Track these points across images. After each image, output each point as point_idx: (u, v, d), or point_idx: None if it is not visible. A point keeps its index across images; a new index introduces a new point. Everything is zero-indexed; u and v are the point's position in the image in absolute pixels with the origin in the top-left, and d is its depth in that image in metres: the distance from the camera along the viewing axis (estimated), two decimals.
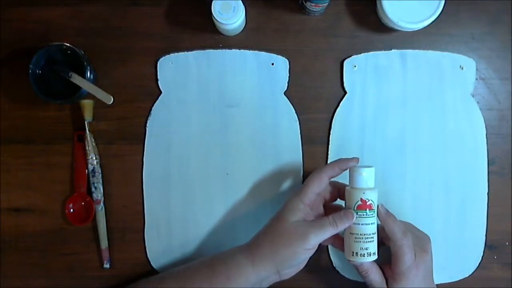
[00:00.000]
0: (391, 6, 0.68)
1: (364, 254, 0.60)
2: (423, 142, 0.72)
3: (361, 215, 0.60)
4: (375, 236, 0.61)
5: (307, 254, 0.60)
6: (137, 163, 0.71)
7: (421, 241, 0.64)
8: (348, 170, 0.62)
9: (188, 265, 0.65)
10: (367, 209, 0.60)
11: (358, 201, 0.60)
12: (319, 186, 0.62)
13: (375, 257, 0.60)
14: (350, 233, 0.60)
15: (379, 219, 0.61)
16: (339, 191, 0.64)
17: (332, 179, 0.64)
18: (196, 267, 0.64)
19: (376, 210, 0.60)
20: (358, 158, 0.62)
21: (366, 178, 0.60)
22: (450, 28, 0.72)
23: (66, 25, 0.72)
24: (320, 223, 0.60)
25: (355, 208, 0.60)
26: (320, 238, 0.59)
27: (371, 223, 0.60)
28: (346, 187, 0.62)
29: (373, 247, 0.60)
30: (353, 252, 0.60)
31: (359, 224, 0.60)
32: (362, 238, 0.60)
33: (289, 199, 0.62)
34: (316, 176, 0.62)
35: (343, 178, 0.64)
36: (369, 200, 0.60)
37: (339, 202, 0.65)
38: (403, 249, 0.60)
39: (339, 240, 0.64)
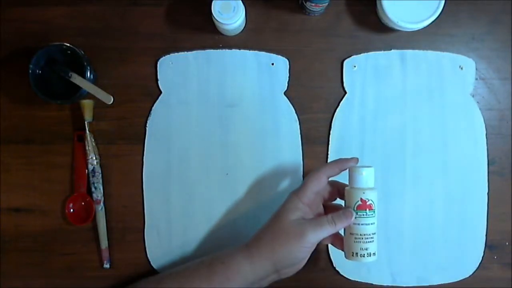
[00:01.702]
0: (391, 6, 0.68)
1: (364, 254, 0.59)
2: (423, 142, 0.72)
3: (361, 215, 0.60)
4: (375, 236, 0.60)
5: (305, 252, 0.60)
6: (137, 163, 0.71)
7: None
8: (347, 170, 0.62)
9: (187, 265, 0.65)
10: (367, 209, 0.59)
11: (358, 201, 0.60)
12: (317, 186, 0.61)
13: (375, 257, 0.60)
14: (350, 233, 0.60)
15: None
16: (338, 190, 0.64)
17: (331, 179, 0.63)
18: (195, 268, 0.64)
19: (376, 210, 0.60)
20: (357, 158, 0.62)
21: (366, 178, 0.60)
22: (450, 28, 0.72)
23: (66, 25, 0.72)
24: (318, 221, 0.60)
25: (355, 208, 0.60)
26: (318, 237, 0.59)
27: (371, 223, 0.60)
28: (346, 187, 0.62)
29: (373, 247, 0.60)
30: (353, 253, 0.60)
31: (359, 224, 0.60)
32: (362, 238, 0.59)
33: (288, 198, 0.62)
34: (315, 175, 0.62)
35: (343, 179, 0.64)
36: (369, 200, 0.60)
37: (339, 202, 0.65)
38: None
39: (338, 240, 0.63)
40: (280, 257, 0.60)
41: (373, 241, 0.60)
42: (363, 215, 0.59)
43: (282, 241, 0.60)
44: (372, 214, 0.60)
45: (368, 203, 0.59)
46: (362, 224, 0.60)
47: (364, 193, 0.59)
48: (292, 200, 0.61)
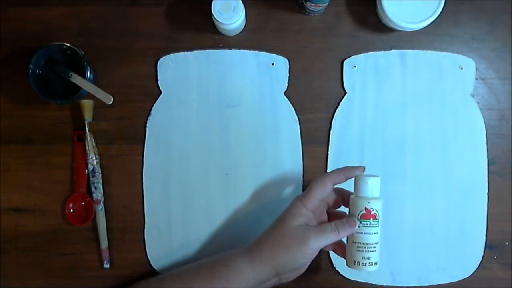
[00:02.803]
0: (391, 6, 0.68)
1: (366, 263, 0.59)
2: (423, 142, 0.72)
3: (364, 224, 0.59)
4: (378, 246, 0.60)
5: (307, 258, 0.60)
6: (137, 163, 0.71)
7: None
8: (353, 178, 0.61)
9: (188, 267, 0.65)
10: (371, 219, 0.59)
11: (362, 210, 0.59)
12: (322, 192, 0.61)
13: (377, 267, 0.60)
14: (353, 242, 0.60)
15: None
16: (343, 198, 0.64)
17: (336, 186, 0.63)
18: (196, 269, 0.64)
19: (380, 220, 0.60)
20: (364, 167, 0.61)
21: (372, 187, 0.59)
22: (450, 28, 0.72)
23: (66, 25, 0.72)
24: (321, 228, 0.60)
25: (359, 217, 0.59)
26: (321, 244, 0.59)
27: (374, 233, 0.59)
28: (351, 195, 0.61)
29: (375, 257, 0.60)
30: (355, 261, 0.60)
31: (362, 233, 0.59)
32: (365, 247, 0.59)
33: (292, 203, 0.62)
34: (320, 182, 0.61)
35: (348, 187, 0.63)
36: (373, 210, 0.59)
37: (343, 209, 0.65)
38: None
39: (340, 247, 0.63)
40: (282, 262, 0.60)
41: (375, 250, 0.60)
42: (367, 224, 0.59)
43: (284, 246, 0.59)
44: (376, 224, 0.59)
45: (372, 212, 0.59)
46: (365, 233, 0.59)
47: (369, 202, 0.59)
48: (296, 205, 0.61)
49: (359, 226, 0.59)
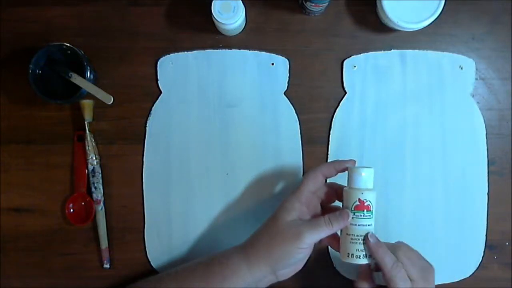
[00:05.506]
0: (391, 6, 0.68)
1: (359, 255, 0.59)
2: (423, 142, 0.72)
3: (358, 215, 0.59)
4: None
5: (302, 253, 0.60)
6: (137, 163, 0.72)
7: (424, 272, 0.61)
8: (347, 171, 0.61)
9: (186, 266, 0.65)
10: (365, 210, 0.59)
11: (356, 201, 0.59)
12: (314, 185, 0.61)
13: (371, 259, 0.60)
14: (347, 234, 0.60)
15: (368, 249, 0.59)
16: (336, 192, 0.64)
17: (329, 180, 0.63)
18: (193, 268, 0.64)
19: (374, 212, 0.60)
20: (354, 160, 0.62)
21: (365, 178, 0.59)
22: (450, 28, 0.72)
23: (66, 25, 0.72)
24: (315, 222, 0.59)
25: (353, 209, 0.59)
26: (315, 238, 0.59)
27: (368, 225, 0.59)
28: (344, 187, 0.61)
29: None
30: (348, 253, 0.59)
31: (356, 225, 0.59)
32: (358, 239, 0.59)
33: (285, 199, 0.62)
34: (311, 174, 0.62)
35: (343, 181, 0.63)
36: (367, 201, 0.59)
37: (338, 204, 0.65)
38: (395, 281, 0.58)
39: (336, 241, 0.63)
40: (277, 258, 0.60)
41: None
42: (361, 216, 0.59)
43: (279, 242, 0.59)
44: (370, 216, 0.59)
45: (366, 203, 0.59)
46: (359, 225, 0.59)
47: (362, 193, 0.59)
48: (289, 199, 0.61)
49: (352, 218, 0.59)
